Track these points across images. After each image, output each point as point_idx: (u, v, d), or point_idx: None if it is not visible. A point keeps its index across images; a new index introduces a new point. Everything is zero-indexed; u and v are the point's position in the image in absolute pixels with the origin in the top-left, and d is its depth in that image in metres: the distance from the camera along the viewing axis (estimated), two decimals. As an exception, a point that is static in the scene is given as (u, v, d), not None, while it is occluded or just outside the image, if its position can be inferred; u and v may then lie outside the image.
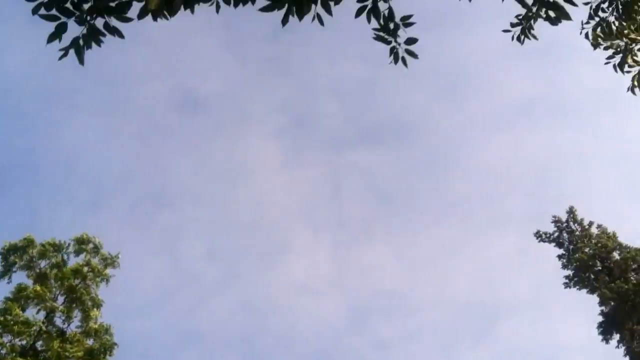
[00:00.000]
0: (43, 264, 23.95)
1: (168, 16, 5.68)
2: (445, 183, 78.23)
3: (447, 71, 72.72)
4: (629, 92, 8.08)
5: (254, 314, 64.98)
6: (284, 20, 6.39)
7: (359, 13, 6.79)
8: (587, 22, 7.79)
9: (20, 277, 23.57)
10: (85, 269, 23.71)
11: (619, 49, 7.82)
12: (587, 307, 31.89)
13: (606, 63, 7.88)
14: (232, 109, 74.84)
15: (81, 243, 24.06)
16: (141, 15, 5.55)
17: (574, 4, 6.92)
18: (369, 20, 6.87)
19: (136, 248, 59.96)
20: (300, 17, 6.40)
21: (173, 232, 68.02)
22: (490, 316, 68.78)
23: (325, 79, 73.73)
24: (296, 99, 76.83)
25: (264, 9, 6.20)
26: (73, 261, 24.16)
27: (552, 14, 7.22)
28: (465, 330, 66.48)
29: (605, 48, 7.82)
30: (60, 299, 23.33)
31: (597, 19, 7.68)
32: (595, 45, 7.79)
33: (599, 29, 7.65)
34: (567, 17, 7.24)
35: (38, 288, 22.48)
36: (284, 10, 6.32)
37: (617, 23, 7.59)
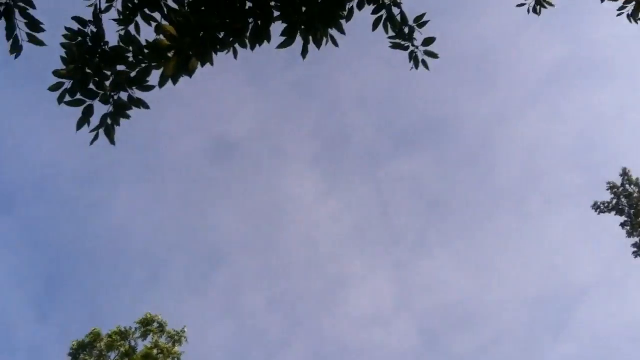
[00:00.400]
0: (113, 355, 23.97)
1: (189, 76, 5.59)
2: (491, 172, 75.35)
3: (468, 56, 70.67)
4: None
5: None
6: (304, 53, 6.24)
7: (375, 25, 6.63)
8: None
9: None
10: (155, 351, 23.66)
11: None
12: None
13: (619, 15, 7.59)
14: (264, 146, 73.96)
15: (146, 325, 24.14)
16: (162, 83, 5.49)
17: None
18: (386, 31, 6.70)
19: (200, 315, 59.68)
20: (319, 45, 6.27)
21: (232, 289, 67.45)
22: (566, 305, 66.01)
23: (350, 93, 72.93)
24: (325, 120, 75.59)
25: (281, 46, 6.08)
26: (141, 345, 24.21)
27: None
28: (543, 326, 64.02)
29: None
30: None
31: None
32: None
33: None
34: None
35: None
36: (301, 43, 6.20)
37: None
